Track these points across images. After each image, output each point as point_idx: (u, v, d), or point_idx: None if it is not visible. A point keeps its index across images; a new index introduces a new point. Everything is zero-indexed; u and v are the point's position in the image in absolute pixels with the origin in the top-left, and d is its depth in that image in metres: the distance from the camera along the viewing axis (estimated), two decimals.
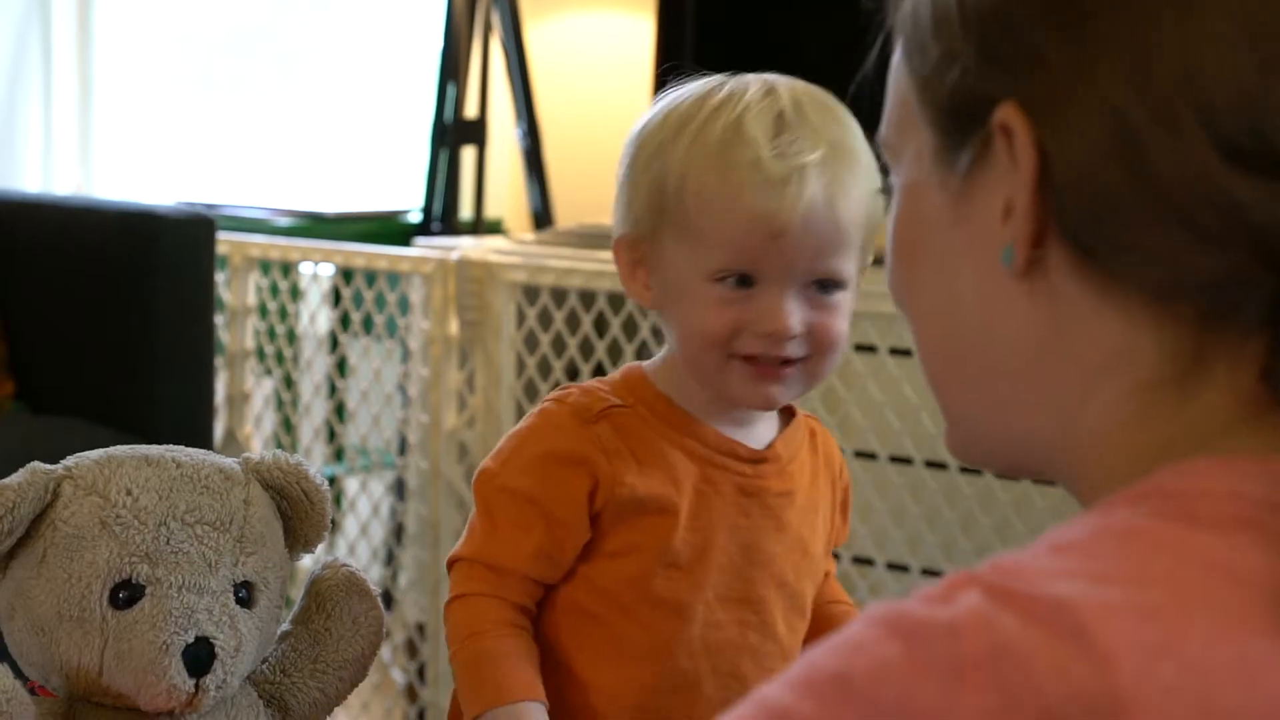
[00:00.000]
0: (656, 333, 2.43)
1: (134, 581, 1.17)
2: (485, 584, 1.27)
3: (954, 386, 0.80)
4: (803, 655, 0.68)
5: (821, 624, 1.35)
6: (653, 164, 1.25)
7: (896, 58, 0.79)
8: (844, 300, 1.25)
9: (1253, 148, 0.69)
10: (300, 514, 1.26)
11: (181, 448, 1.24)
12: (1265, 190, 0.69)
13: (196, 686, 1.17)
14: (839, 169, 1.22)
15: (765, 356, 1.23)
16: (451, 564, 1.30)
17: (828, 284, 1.24)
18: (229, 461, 1.25)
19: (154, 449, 1.23)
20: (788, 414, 1.34)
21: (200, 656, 1.16)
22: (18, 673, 1.21)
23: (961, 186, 0.75)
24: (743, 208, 1.21)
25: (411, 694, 2.82)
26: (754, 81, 1.26)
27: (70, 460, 1.22)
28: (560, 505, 1.26)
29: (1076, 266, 0.72)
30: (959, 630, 0.64)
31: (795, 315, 1.22)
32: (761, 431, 1.32)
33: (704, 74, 1.30)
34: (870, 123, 0.86)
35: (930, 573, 2.30)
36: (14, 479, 1.19)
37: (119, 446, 1.24)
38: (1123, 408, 0.73)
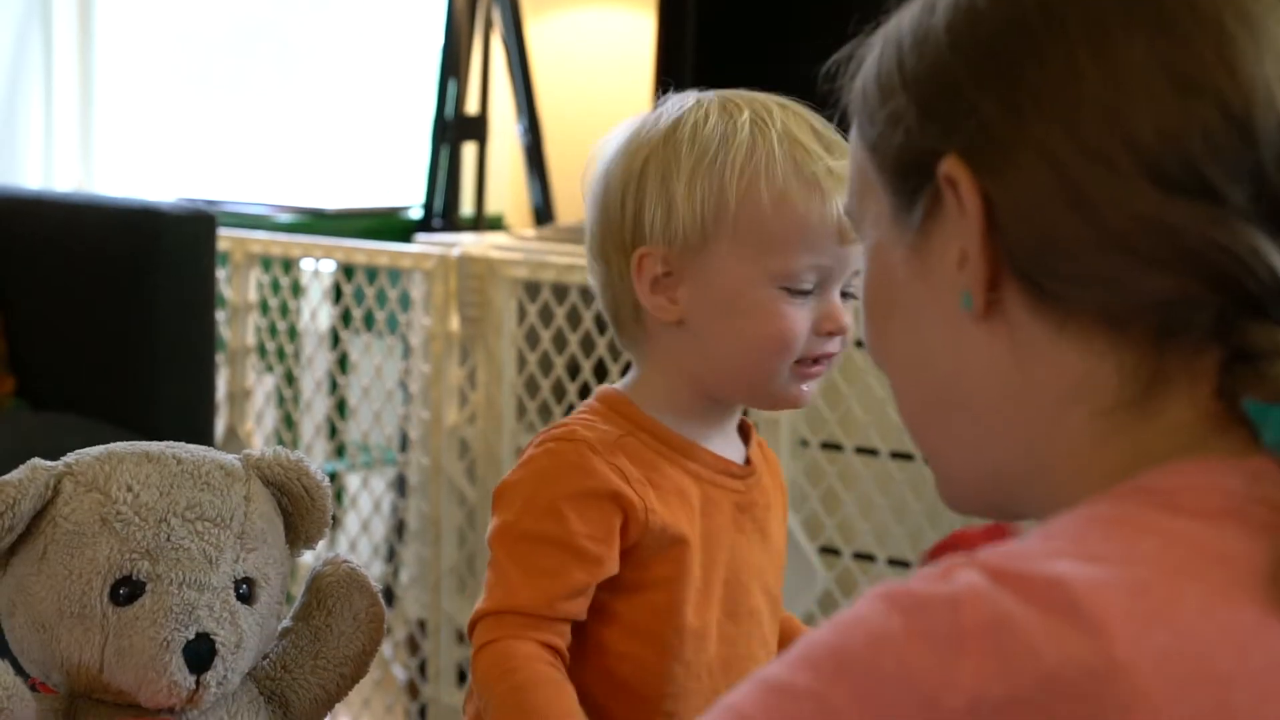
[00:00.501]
0: None
1: (135, 578, 1.17)
2: (514, 629, 1.24)
3: (931, 432, 0.83)
4: (802, 636, 0.70)
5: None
6: (698, 177, 1.26)
7: (852, 133, 0.84)
8: (853, 304, 1.30)
9: (1181, 174, 0.72)
10: (301, 510, 1.26)
11: (182, 444, 1.24)
12: (1198, 214, 0.72)
13: (197, 683, 1.17)
14: None
15: (813, 357, 1.27)
16: (476, 621, 1.26)
17: (848, 293, 1.29)
18: (229, 458, 1.25)
19: (154, 445, 1.23)
20: (743, 426, 1.36)
21: (201, 653, 1.16)
22: (19, 670, 1.21)
23: (917, 241, 0.80)
24: (829, 213, 1.25)
25: (413, 690, 2.82)
26: (757, 96, 1.30)
27: (71, 457, 1.22)
28: (593, 542, 1.24)
29: (1031, 303, 0.76)
30: (959, 603, 0.66)
31: (846, 314, 1.28)
32: (736, 446, 1.34)
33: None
34: None
35: None
36: (14, 475, 1.19)
37: (119, 443, 1.24)
38: (1089, 431, 0.76)
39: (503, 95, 3.28)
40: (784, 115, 1.28)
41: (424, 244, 2.87)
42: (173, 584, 1.17)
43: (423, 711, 2.78)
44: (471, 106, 3.18)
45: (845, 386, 2.35)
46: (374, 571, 2.87)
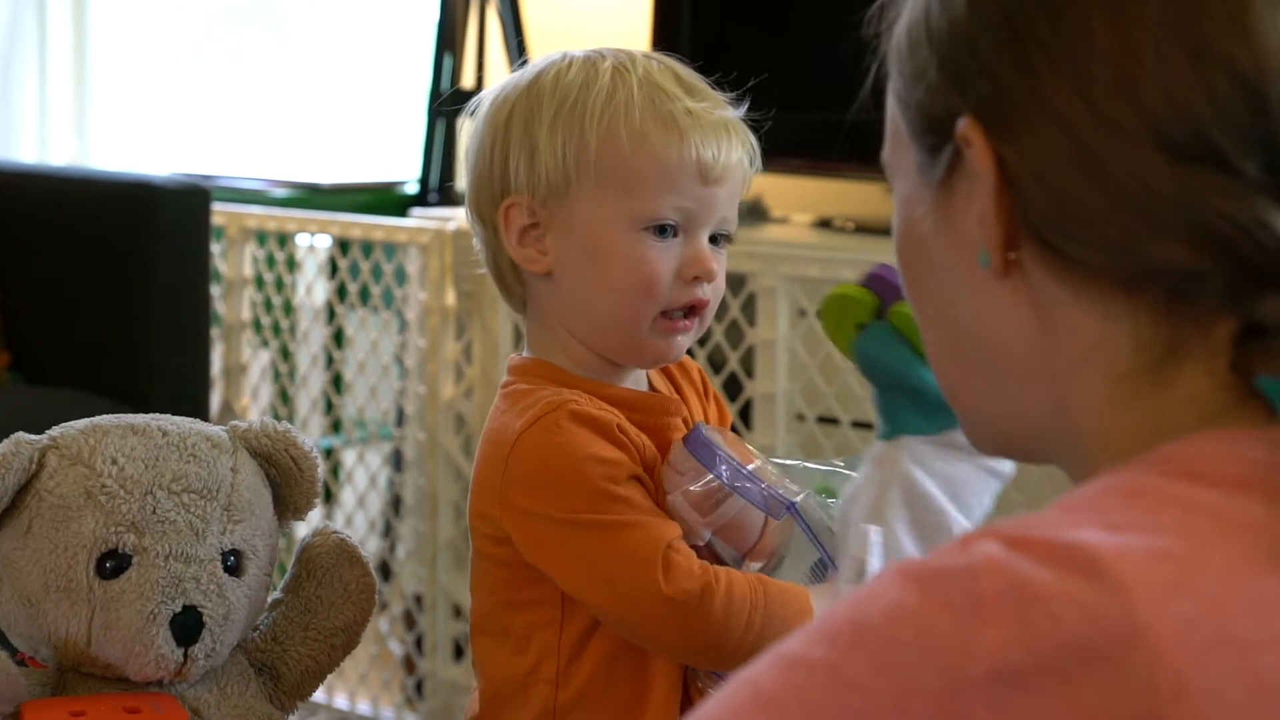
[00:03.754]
0: None
1: (120, 551, 1.17)
2: (690, 557, 1.22)
3: (960, 383, 0.84)
4: (823, 612, 0.70)
5: None
6: (559, 122, 1.26)
7: (889, 83, 0.84)
8: (725, 253, 1.31)
9: (1191, 143, 0.72)
10: (289, 481, 1.26)
11: (168, 416, 1.24)
12: (1207, 183, 0.72)
13: (185, 656, 1.17)
14: (743, 131, 1.29)
15: (679, 307, 1.27)
16: (664, 570, 1.20)
17: (719, 237, 1.29)
18: (216, 430, 1.24)
19: (140, 418, 1.22)
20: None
21: (188, 625, 1.16)
22: (6, 644, 1.21)
23: (941, 196, 0.80)
24: (687, 151, 1.25)
25: (409, 665, 2.82)
26: (622, 50, 1.31)
27: (55, 430, 1.21)
28: (642, 471, 1.24)
29: (1049, 264, 0.76)
30: (977, 571, 0.65)
31: (713, 259, 1.28)
32: (642, 381, 1.34)
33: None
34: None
35: None
36: None
37: (104, 416, 1.23)
38: (1107, 395, 0.76)
39: (498, 69, 3.27)
40: (647, 63, 1.29)
41: (420, 218, 2.86)
42: (159, 557, 1.17)
43: (419, 686, 2.78)
44: (467, 81, 3.17)
45: (841, 360, 2.34)
46: (370, 546, 2.87)
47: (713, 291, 1.29)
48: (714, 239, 1.29)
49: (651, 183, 1.25)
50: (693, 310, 1.28)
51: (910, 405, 1.15)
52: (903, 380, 1.15)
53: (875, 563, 1.10)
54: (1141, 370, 0.75)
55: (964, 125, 0.76)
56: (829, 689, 0.65)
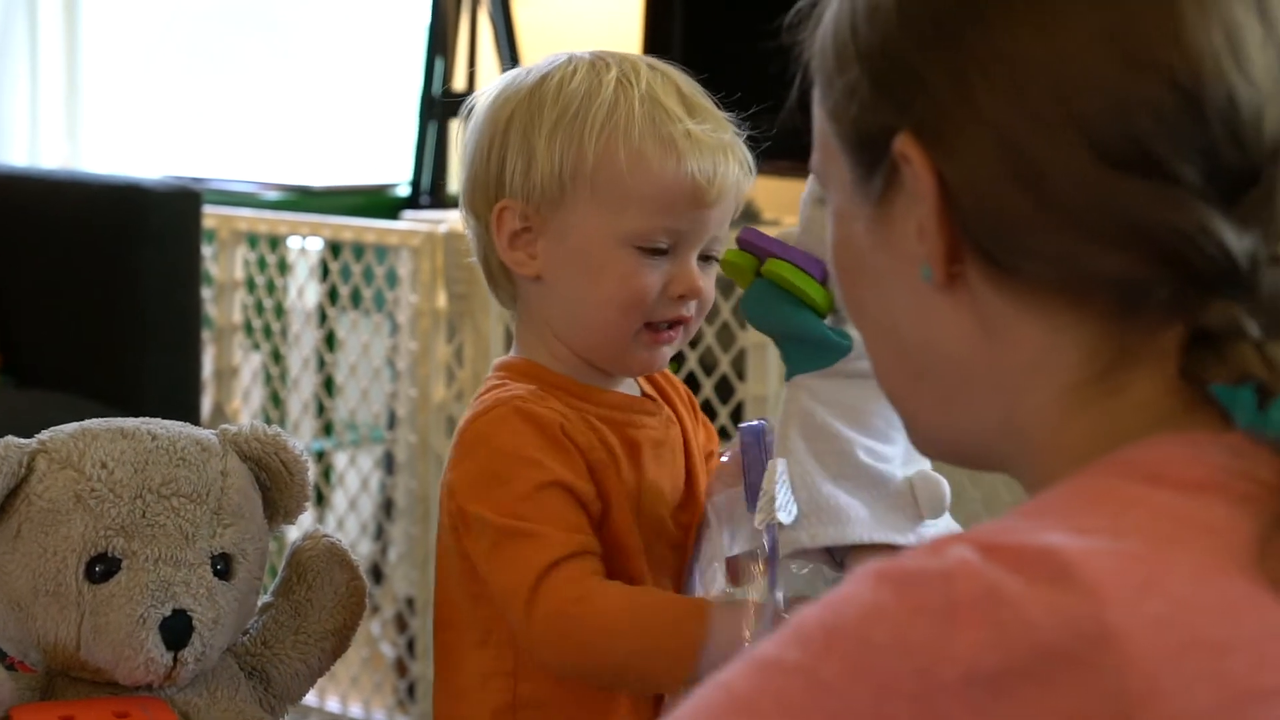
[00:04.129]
0: None
1: (110, 555, 1.17)
2: (572, 565, 1.22)
3: (905, 393, 0.83)
4: (795, 614, 0.70)
5: None
6: (559, 132, 1.26)
7: (815, 93, 0.83)
8: (715, 270, 1.31)
9: (1130, 153, 0.71)
10: (279, 485, 1.25)
11: (158, 420, 1.24)
12: (1147, 192, 0.71)
13: (175, 660, 1.16)
14: (738, 147, 1.30)
15: (664, 321, 1.28)
16: (535, 587, 1.21)
17: (710, 255, 1.30)
18: (206, 433, 1.24)
19: (130, 422, 1.22)
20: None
21: (177, 629, 1.16)
22: None
23: (878, 212, 0.79)
24: (684, 174, 1.25)
25: (401, 668, 2.82)
26: (628, 57, 1.30)
27: (45, 434, 1.21)
28: (570, 471, 1.24)
29: (992, 276, 0.76)
30: (952, 575, 0.65)
31: (700, 278, 1.28)
32: (632, 387, 1.35)
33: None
34: None
35: None
36: None
37: (94, 419, 1.23)
38: (1057, 405, 0.76)
39: (490, 72, 3.27)
40: (651, 76, 1.28)
41: (411, 221, 2.86)
42: (148, 560, 1.17)
43: (411, 689, 2.78)
44: (459, 83, 3.17)
45: None
46: (362, 549, 2.87)
47: (699, 306, 1.30)
48: (704, 257, 1.29)
49: (646, 203, 1.26)
50: (678, 322, 1.29)
51: (799, 348, 1.23)
52: (788, 329, 1.23)
53: (782, 493, 1.17)
54: (1091, 379, 0.75)
55: (901, 142, 0.76)
56: (804, 691, 0.65)
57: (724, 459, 1.31)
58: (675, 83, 1.29)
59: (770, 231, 1.27)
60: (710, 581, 1.24)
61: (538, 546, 1.22)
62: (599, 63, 1.29)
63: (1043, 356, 0.75)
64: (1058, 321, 0.75)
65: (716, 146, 1.27)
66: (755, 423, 1.27)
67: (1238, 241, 0.71)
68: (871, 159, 0.78)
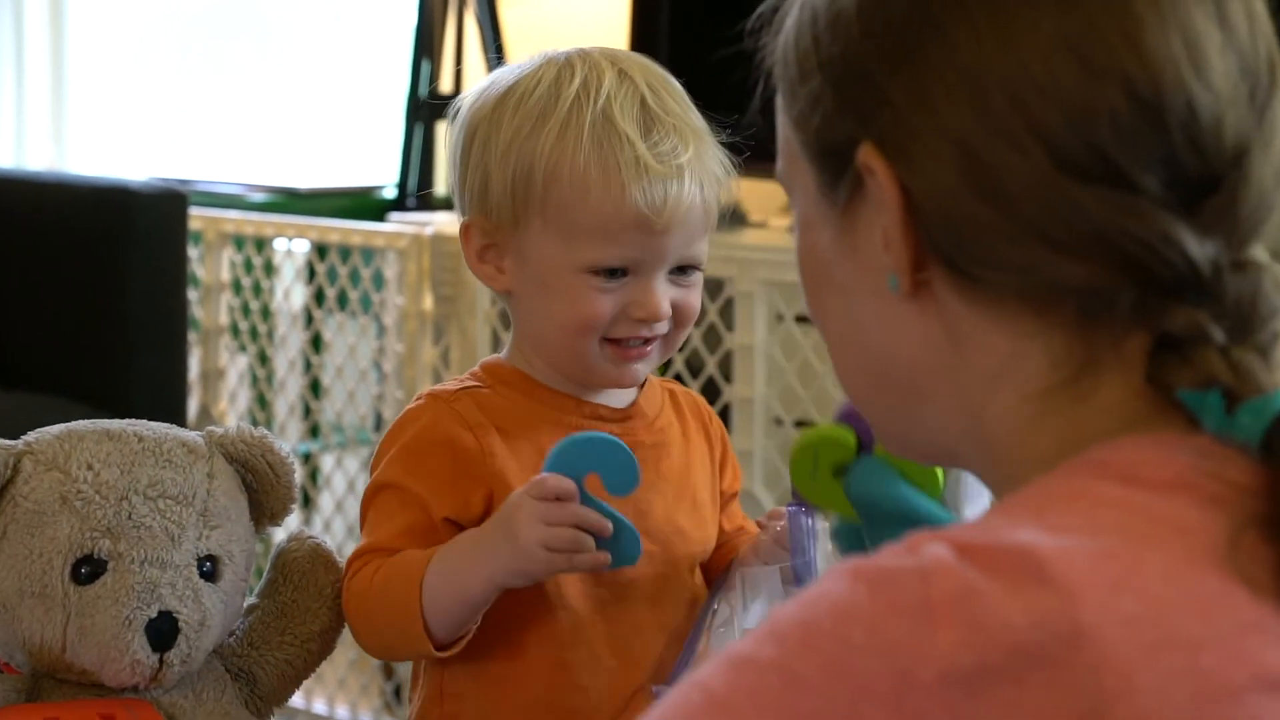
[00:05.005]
0: None
1: (96, 556, 1.17)
2: (368, 559, 1.26)
3: (872, 399, 0.84)
4: (771, 612, 0.70)
5: (729, 551, 1.35)
6: (511, 153, 1.25)
7: (778, 100, 0.83)
8: (699, 277, 1.29)
9: (1090, 162, 0.72)
10: (265, 486, 1.26)
11: (144, 422, 1.24)
12: (1107, 201, 0.72)
13: (161, 661, 1.16)
14: (705, 159, 1.26)
15: (630, 339, 1.26)
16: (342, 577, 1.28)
17: (688, 267, 1.27)
18: (192, 435, 1.24)
19: (115, 423, 1.22)
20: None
21: (163, 631, 1.16)
22: None
23: (844, 221, 0.79)
24: (628, 205, 1.23)
25: (388, 670, 2.82)
26: (598, 63, 1.27)
27: (31, 435, 1.21)
28: (424, 485, 1.24)
29: (957, 285, 0.76)
30: (928, 574, 0.66)
31: (665, 300, 1.26)
32: (620, 396, 1.33)
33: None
34: None
35: None
36: None
37: (80, 421, 1.23)
38: (1023, 412, 0.76)
39: (476, 74, 3.26)
40: (615, 87, 1.25)
41: (397, 223, 2.86)
42: (134, 562, 1.17)
43: (397, 691, 2.78)
44: (445, 85, 3.17)
45: (819, 365, 2.35)
46: (348, 551, 2.86)
47: (679, 319, 1.27)
48: (681, 268, 1.27)
49: (594, 233, 1.23)
50: (651, 339, 1.27)
51: (897, 529, 1.14)
52: (900, 511, 1.12)
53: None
54: (1057, 386, 0.75)
55: (864, 153, 0.76)
56: (780, 690, 0.65)
57: (763, 532, 1.30)
58: (641, 93, 1.25)
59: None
60: (719, 642, 1.24)
61: (367, 541, 1.27)
62: (566, 70, 1.26)
63: (1009, 364, 0.76)
64: (1023, 329, 0.75)
65: (669, 171, 1.23)
66: (798, 507, 1.25)
67: (1199, 249, 0.72)
68: (836, 168, 0.78)
